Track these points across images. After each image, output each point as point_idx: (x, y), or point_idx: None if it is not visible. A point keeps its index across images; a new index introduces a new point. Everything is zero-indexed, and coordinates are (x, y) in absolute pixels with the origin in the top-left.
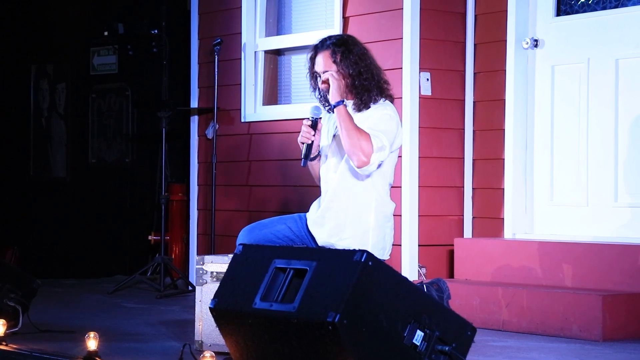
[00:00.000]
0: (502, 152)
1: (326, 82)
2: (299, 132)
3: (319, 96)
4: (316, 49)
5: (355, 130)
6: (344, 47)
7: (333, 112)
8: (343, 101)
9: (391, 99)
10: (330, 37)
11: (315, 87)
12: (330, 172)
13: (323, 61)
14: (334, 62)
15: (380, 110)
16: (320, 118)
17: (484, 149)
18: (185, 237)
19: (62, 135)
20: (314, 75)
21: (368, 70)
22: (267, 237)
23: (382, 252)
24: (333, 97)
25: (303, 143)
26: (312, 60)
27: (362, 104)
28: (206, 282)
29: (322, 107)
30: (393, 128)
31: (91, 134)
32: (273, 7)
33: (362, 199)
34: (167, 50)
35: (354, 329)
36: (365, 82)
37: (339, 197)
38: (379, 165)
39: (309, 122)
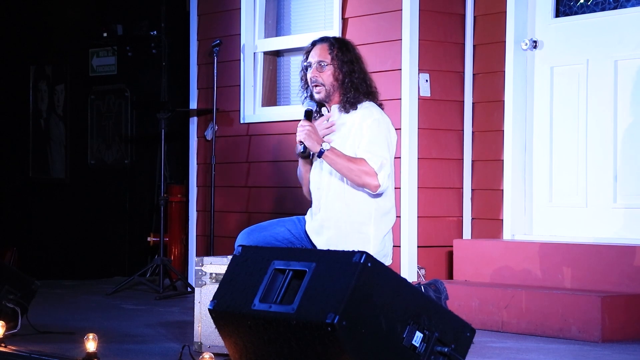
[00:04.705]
0: (501, 153)
1: (319, 69)
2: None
3: (305, 87)
4: (314, 43)
5: (351, 164)
6: (342, 44)
7: (316, 108)
8: (323, 150)
9: (381, 107)
10: (329, 36)
11: (305, 80)
12: (324, 177)
13: (319, 51)
14: (330, 54)
15: (367, 116)
16: (315, 111)
17: (483, 150)
18: (184, 238)
19: (61, 137)
20: (307, 69)
21: (361, 71)
22: (267, 239)
23: (383, 260)
24: (313, 148)
25: (301, 142)
26: (308, 53)
27: (349, 104)
28: (205, 284)
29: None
30: (384, 132)
31: (90, 135)
32: (272, 8)
33: (362, 209)
34: (166, 51)
35: (353, 330)
36: (356, 80)
37: (339, 206)
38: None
39: (303, 117)
